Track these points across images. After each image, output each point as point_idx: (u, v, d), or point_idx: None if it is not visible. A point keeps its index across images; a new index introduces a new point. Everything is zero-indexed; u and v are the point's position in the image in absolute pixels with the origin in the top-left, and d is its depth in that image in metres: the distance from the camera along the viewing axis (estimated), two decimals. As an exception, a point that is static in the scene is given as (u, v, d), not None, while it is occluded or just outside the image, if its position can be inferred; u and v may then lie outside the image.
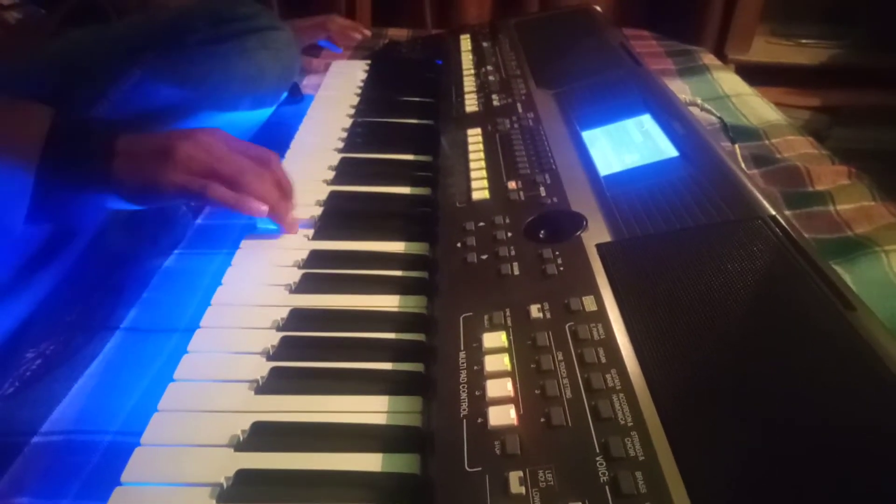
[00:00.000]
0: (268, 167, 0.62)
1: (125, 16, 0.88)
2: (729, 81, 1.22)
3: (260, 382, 0.46)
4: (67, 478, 0.46)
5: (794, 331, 0.41)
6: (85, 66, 0.75)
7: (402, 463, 0.40)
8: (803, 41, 1.76)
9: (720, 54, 1.58)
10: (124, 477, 0.39)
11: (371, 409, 0.44)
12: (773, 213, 0.51)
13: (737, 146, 0.89)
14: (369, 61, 1.09)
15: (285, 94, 0.91)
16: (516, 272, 0.51)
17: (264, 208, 0.59)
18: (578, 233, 0.54)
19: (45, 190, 0.56)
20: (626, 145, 0.67)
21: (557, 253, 0.51)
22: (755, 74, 1.44)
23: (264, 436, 0.41)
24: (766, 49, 1.73)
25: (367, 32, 1.34)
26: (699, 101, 0.91)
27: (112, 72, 0.74)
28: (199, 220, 0.75)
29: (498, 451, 0.37)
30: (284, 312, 0.52)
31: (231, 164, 0.60)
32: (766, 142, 0.98)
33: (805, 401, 0.36)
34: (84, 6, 0.90)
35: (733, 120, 1.02)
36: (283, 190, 0.63)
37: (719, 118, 0.91)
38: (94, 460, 0.48)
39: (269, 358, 0.48)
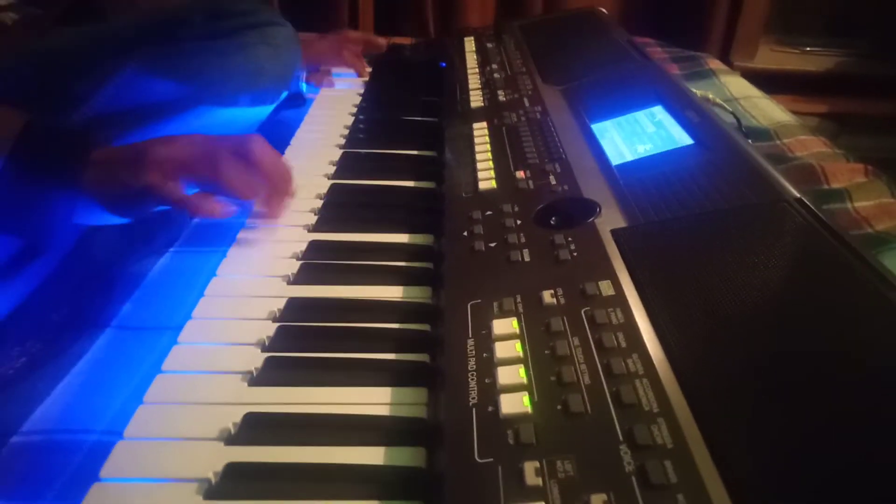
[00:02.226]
0: (247, 156, 0.56)
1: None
2: (736, 85, 1.20)
3: (254, 373, 0.42)
4: (46, 479, 0.43)
5: (831, 313, 0.38)
6: (76, 60, 0.73)
7: (407, 456, 0.37)
8: (808, 49, 1.74)
9: (725, 61, 1.56)
10: (103, 472, 0.36)
11: (373, 401, 0.40)
12: (799, 195, 0.48)
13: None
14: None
15: (286, 94, 0.88)
16: (527, 259, 0.48)
17: (227, 208, 0.55)
18: (592, 219, 0.51)
19: (9, 197, 0.52)
20: (637, 135, 0.65)
21: (570, 239, 0.49)
22: (761, 82, 1.42)
23: (257, 428, 0.38)
24: (771, 57, 1.71)
25: (382, 42, 1.17)
26: (710, 97, 0.89)
27: (105, 66, 0.72)
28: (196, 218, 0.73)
29: (511, 441, 0.33)
30: (281, 303, 0.49)
31: (206, 160, 0.55)
32: (778, 142, 0.95)
33: (848, 383, 0.33)
34: (81, 7, 0.89)
35: (743, 122, 0.99)
36: (271, 176, 0.58)
37: (732, 113, 0.89)
38: (77, 460, 0.44)
39: (265, 349, 0.45)
